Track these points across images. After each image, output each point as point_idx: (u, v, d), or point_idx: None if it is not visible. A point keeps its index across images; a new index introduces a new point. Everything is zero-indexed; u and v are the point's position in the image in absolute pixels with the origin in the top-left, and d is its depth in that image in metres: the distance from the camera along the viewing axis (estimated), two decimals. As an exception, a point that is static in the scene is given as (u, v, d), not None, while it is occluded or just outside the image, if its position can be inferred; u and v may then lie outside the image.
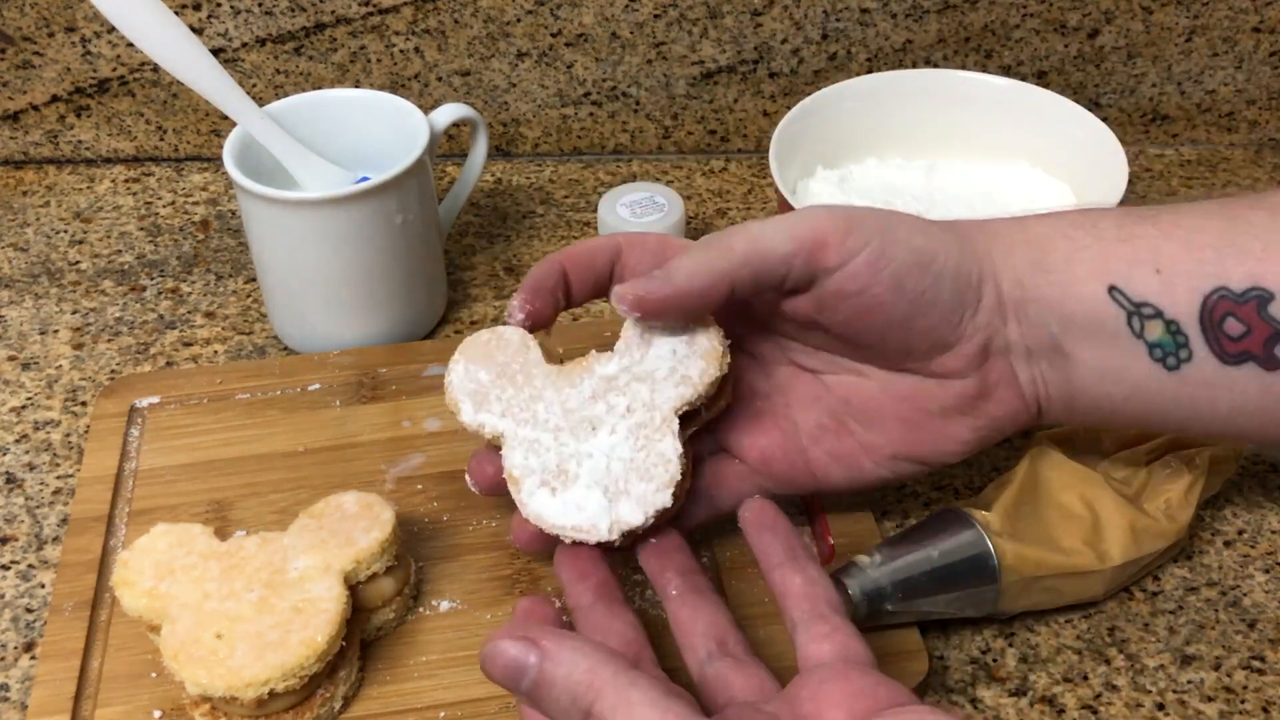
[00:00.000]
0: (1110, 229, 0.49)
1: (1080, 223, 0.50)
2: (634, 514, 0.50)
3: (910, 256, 0.48)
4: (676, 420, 0.51)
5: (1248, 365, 0.47)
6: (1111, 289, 0.48)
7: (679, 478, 0.50)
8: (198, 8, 0.81)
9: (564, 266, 0.52)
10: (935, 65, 0.83)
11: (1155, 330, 0.48)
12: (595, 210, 0.81)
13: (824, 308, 0.50)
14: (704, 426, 0.54)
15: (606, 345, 0.70)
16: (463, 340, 0.54)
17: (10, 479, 0.65)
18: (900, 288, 0.48)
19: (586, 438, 0.51)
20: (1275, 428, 0.49)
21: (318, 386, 0.67)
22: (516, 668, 0.39)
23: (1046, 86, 0.76)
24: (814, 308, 0.50)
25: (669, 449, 0.50)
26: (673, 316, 0.50)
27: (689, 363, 0.52)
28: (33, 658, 0.56)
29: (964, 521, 0.54)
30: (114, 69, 0.84)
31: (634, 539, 0.51)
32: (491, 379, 0.53)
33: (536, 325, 0.53)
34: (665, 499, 0.50)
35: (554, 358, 0.54)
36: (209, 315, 0.75)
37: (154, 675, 0.53)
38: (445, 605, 0.56)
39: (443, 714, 0.52)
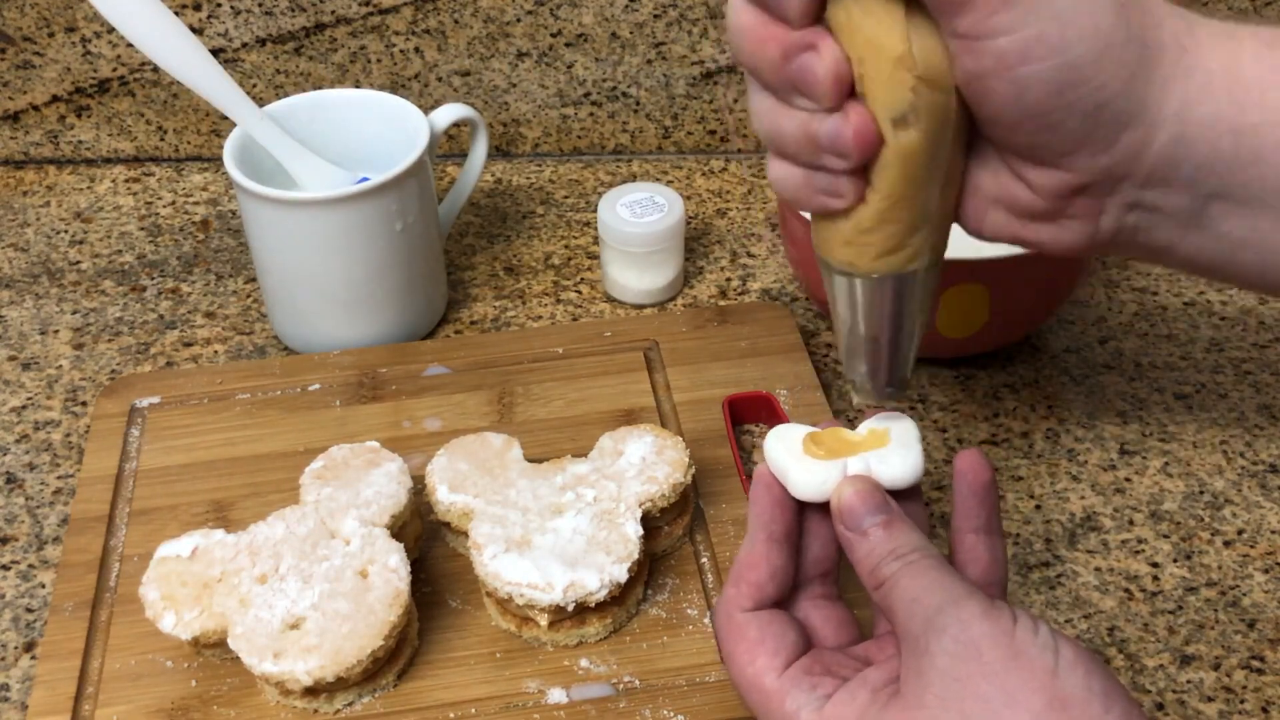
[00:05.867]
0: None
1: None
2: (590, 580, 0.52)
3: (1054, 74, 0.38)
4: (640, 511, 0.55)
5: None
6: None
7: (637, 557, 0.53)
8: (198, 8, 0.81)
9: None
10: (935, 65, 0.83)
11: None
12: (595, 210, 0.81)
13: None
14: None
15: (605, 342, 0.71)
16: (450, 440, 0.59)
17: (10, 479, 0.65)
18: (1020, 97, 0.39)
19: (552, 518, 0.55)
20: None
21: (318, 386, 0.67)
22: (871, 509, 0.44)
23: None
24: None
25: (630, 531, 0.54)
26: None
27: (656, 467, 0.56)
28: (33, 658, 0.56)
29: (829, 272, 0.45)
30: (114, 69, 0.84)
31: (583, 610, 0.53)
32: (470, 468, 0.57)
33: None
34: (621, 572, 0.52)
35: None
36: (209, 315, 0.75)
37: (154, 675, 0.53)
38: (448, 604, 0.56)
39: (447, 714, 0.52)
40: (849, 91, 0.40)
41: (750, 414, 0.66)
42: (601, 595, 0.52)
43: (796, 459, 0.45)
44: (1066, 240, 0.43)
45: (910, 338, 0.45)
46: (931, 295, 0.45)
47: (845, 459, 0.45)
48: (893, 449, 0.45)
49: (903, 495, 0.45)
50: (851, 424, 0.48)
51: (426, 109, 0.71)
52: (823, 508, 0.46)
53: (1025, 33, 0.38)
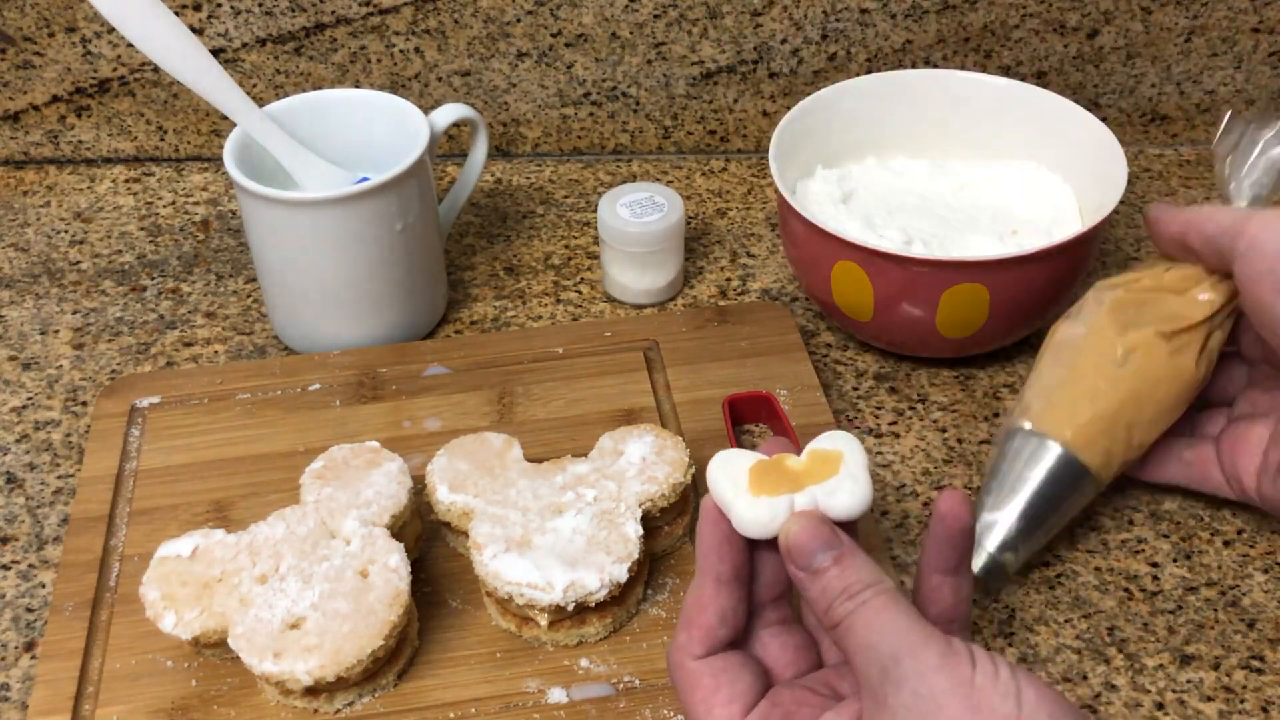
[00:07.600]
0: None
1: None
2: (591, 580, 0.52)
3: None
4: (640, 510, 0.55)
5: None
6: None
7: (637, 557, 0.53)
8: (198, 8, 0.81)
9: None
10: (935, 65, 0.83)
11: None
12: (595, 210, 0.81)
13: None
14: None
15: (605, 342, 0.71)
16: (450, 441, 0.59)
17: (11, 479, 0.65)
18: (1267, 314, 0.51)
19: (552, 518, 0.55)
20: None
21: (318, 386, 0.67)
22: (821, 546, 0.42)
23: (1046, 87, 0.76)
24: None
25: (630, 531, 0.54)
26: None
27: (656, 467, 0.56)
28: (33, 657, 0.56)
29: (1044, 447, 0.56)
30: (114, 69, 0.84)
31: (583, 609, 0.53)
32: (470, 468, 0.57)
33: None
34: (621, 572, 0.52)
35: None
36: (209, 315, 0.75)
37: (154, 675, 0.53)
38: (448, 604, 0.56)
39: (447, 714, 0.52)
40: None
41: (750, 414, 0.66)
42: (601, 595, 0.52)
43: (741, 494, 0.44)
44: None
45: (1047, 529, 0.54)
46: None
47: (792, 495, 0.44)
48: (840, 480, 0.44)
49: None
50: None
51: (426, 109, 0.71)
52: (772, 540, 0.44)
53: None
